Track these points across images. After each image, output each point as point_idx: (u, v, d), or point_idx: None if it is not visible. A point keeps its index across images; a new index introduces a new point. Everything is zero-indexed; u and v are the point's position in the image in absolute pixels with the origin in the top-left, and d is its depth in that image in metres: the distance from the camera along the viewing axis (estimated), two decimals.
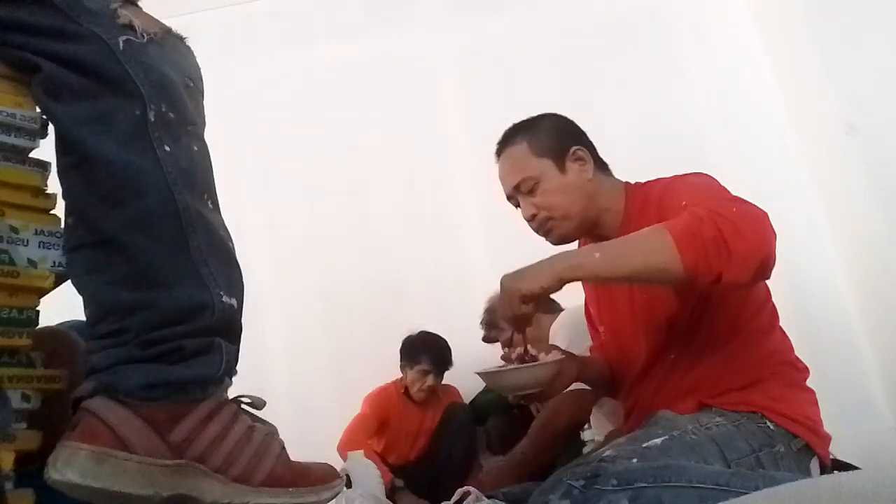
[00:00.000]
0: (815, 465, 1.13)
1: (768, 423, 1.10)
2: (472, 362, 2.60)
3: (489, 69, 2.86)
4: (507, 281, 1.04)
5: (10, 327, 0.70)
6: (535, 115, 1.33)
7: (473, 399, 2.53)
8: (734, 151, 2.64)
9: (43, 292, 0.74)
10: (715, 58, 2.75)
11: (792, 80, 2.56)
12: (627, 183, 1.31)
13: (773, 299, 1.24)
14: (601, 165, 1.30)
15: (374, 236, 2.81)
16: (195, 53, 0.81)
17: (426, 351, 2.50)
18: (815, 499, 0.56)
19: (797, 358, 1.24)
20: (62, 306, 0.84)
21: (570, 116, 1.33)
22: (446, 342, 2.52)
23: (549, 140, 1.26)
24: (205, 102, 0.80)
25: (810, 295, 2.45)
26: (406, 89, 2.92)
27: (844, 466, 1.39)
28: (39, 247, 0.74)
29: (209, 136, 0.79)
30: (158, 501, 0.66)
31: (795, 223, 2.53)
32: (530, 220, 1.27)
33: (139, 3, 0.77)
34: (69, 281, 0.74)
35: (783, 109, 2.59)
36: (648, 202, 1.21)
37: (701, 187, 1.15)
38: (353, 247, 2.80)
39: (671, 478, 0.92)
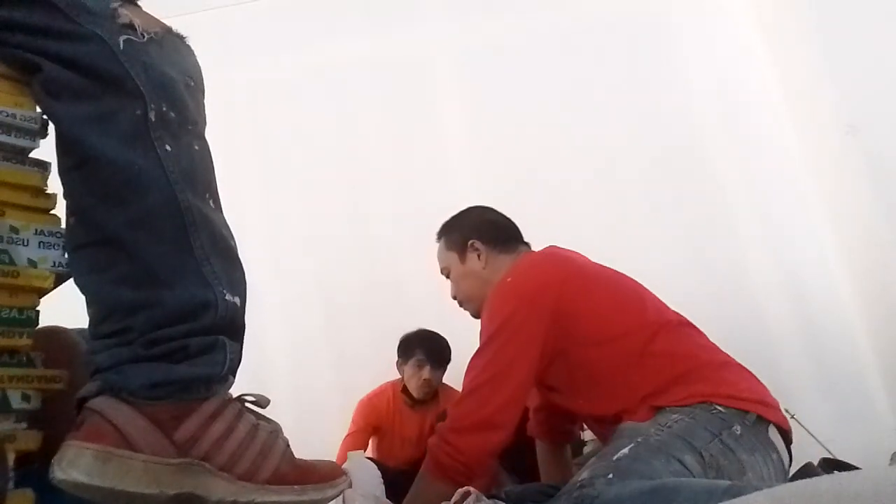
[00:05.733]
0: (773, 432, 1.17)
1: (718, 408, 1.15)
2: None
3: (489, 69, 2.85)
4: None
5: (10, 327, 0.70)
6: (464, 209, 1.60)
7: None
8: (734, 152, 2.64)
9: (43, 292, 0.74)
10: (715, 58, 2.75)
11: (792, 80, 2.55)
12: (524, 254, 1.48)
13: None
14: (505, 246, 1.49)
15: (374, 236, 2.81)
16: (195, 53, 0.81)
17: (420, 343, 2.46)
18: (816, 499, 0.56)
19: (710, 345, 1.31)
20: (62, 306, 0.84)
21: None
22: (443, 337, 2.48)
23: (457, 235, 1.54)
24: (205, 102, 0.80)
25: (810, 295, 2.44)
26: (406, 89, 2.91)
27: (844, 466, 1.39)
28: (39, 247, 0.74)
29: (210, 135, 0.79)
30: (164, 500, 0.66)
31: (795, 223, 2.53)
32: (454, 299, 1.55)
33: (139, 3, 0.77)
34: (69, 281, 0.74)
35: (783, 109, 2.59)
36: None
37: (486, 329, 1.39)
38: (352, 246, 2.79)
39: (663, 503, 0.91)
